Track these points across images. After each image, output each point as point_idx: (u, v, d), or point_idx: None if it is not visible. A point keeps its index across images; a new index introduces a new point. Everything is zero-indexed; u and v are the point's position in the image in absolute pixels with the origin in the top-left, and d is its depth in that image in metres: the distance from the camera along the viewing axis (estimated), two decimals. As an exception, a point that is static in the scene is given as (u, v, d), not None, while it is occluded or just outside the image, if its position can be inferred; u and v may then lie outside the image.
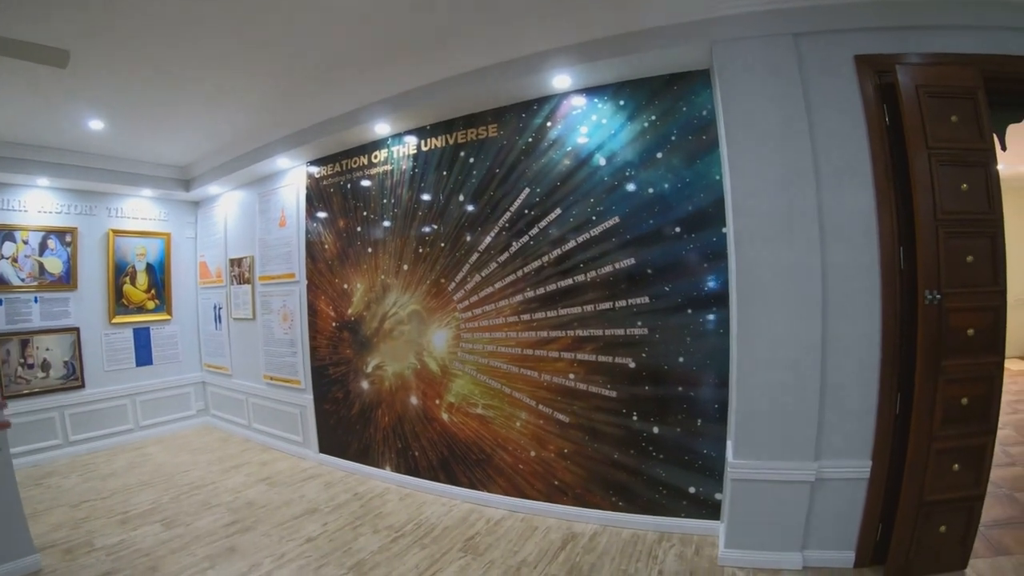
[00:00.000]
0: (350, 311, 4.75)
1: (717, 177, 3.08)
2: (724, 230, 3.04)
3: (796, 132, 2.71)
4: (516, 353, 3.75)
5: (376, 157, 4.50)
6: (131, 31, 3.02)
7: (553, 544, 3.33)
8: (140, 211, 6.42)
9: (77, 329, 5.83)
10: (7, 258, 5.41)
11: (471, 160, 3.92)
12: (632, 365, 3.34)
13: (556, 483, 3.66)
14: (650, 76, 3.27)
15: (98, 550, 3.46)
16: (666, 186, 3.21)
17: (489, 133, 3.84)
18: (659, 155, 3.23)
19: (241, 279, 5.98)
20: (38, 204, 5.64)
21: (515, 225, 3.71)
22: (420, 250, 4.20)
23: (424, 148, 4.19)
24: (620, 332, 3.36)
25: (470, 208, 3.93)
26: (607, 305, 3.39)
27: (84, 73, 3.48)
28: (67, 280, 5.79)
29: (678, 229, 3.19)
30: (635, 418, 3.36)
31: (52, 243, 5.69)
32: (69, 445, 5.68)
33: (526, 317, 3.69)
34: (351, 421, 4.80)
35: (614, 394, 3.41)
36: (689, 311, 3.17)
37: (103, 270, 6.09)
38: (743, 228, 2.78)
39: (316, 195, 4.99)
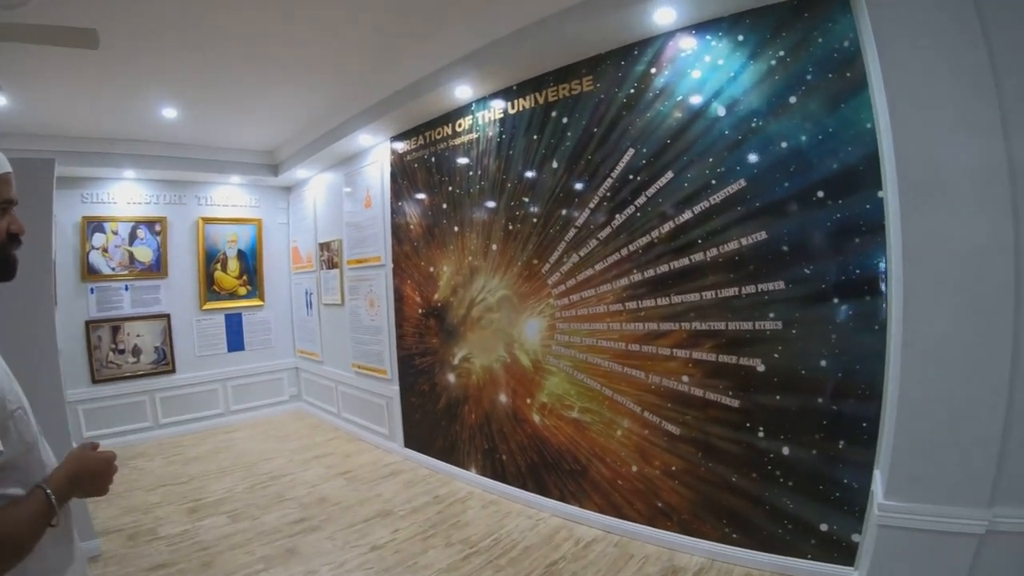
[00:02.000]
0: (436, 296, 4.35)
1: (868, 125, 2.33)
2: (880, 194, 2.29)
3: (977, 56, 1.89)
4: (619, 348, 3.17)
5: (460, 126, 4.03)
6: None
7: (652, 578, 2.80)
8: (230, 198, 6.45)
9: (168, 316, 5.95)
10: (97, 248, 5.56)
11: (564, 120, 3.36)
12: (761, 368, 2.67)
13: (660, 505, 3.08)
14: (774, 2, 2.56)
15: (160, 539, 3.42)
16: (803, 138, 2.50)
17: (584, 87, 3.26)
18: (792, 100, 2.53)
19: (330, 264, 5.77)
20: (127, 196, 5.78)
21: (618, 194, 3.11)
22: (510, 227, 3.72)
23: (511, 111, 3.68)
24: (747, 326, 2.70)
25: (565, 176, 3.39)
26: (731, 292, 2.73)
27: (149, 59, 3.46)
28: (157, 268, 5.90)
29: (821, 194, 2.47)
30: (761, 434, 2.70)
31: (142, 232, 5.82)
32: (159, 428, 5.83)
33: (632, 305, 3.09)
34: (437, 416, 4.42)
35: (736, 403, 2.76)
36: (835, 300, 2.46)
37: (193, 257, 6.18)
38: (912, 190, 2.01)
39: (400, 172, 4.62)
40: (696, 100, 2.81)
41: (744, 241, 2.68)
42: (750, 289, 2.67)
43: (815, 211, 2.48)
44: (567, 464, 3.50)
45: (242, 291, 6.47)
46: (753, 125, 2.63)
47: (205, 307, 6.16)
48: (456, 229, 4.11)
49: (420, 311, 4.51)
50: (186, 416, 5.99)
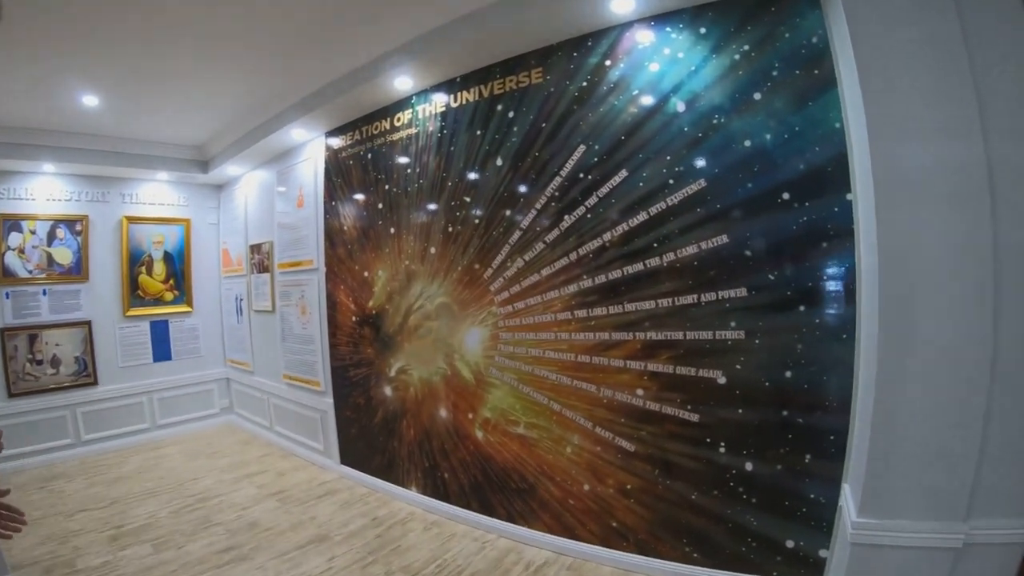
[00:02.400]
0: (371, 303, 4.00)
1: (837, 124, 2.15)
2: (849, 196, 2.12)
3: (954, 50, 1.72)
4: (568, 360, 2.91)
5: (399, 120, 3.72)
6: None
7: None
8: (157, 196, 5.92)
9: (89, 323, 5.42)
10: (13, 249, 5.03)
11: (510, 114, 3.09)
12: (722, 380, 2.46)
13: (614, 525, 2.84)
14: (738, -5, 2.38)
15: (78, 572, 3.05)
16: (768, 137, 2.31)
17: (533, 79, 3.00)
18: (757, 96, 2.34)
19: (261, 267, 5.34)
20: (46, 192, 5.23)
21: (567, 194, 2.86)
22: (450, 229, 3.41)
23: (454, 104, 3.38)
24: (707, 336, 2.49)
25: (510, 174, 3.11)
26: (690, 299, 2.52)
27: (62, 36, 3.05)
28: (78, 271, 5.38)
29: (786, 195, 2.28)
30: (723, 450, 2.49)
31: (61, 232, 5.28)
32: (82, 445, 5.31)
33: (581, 314, 2.85)
34: (374, 432, 4.07)
35: (696, 418, 2.54)
36: (801, 308, 2.27)
37: (116, 260, 5.64)
38: (888, 189, 1.81)
39: (335, 169, 4.26)
40: (654, 95, 2.58)
41: (704, 245, 2.46)
42: (710, 296, 2.46)
43: (780, 214, 2.28)
44: (514, 483, 3.22)
45: (169, 296, 5.93)
46: (715, 122, 2.43)
47: (129, 313, 5.61)
48: (392, 231, 3.78)
49: (354, 319, 4.15)
50: (110, 432, 5.45)
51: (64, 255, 5.26)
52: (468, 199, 3.30)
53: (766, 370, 2.36)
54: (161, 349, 5.86)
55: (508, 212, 3.11)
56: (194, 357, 6.10)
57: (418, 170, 3.59)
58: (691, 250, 2.49)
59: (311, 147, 4.56)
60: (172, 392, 5.91)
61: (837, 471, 2.22)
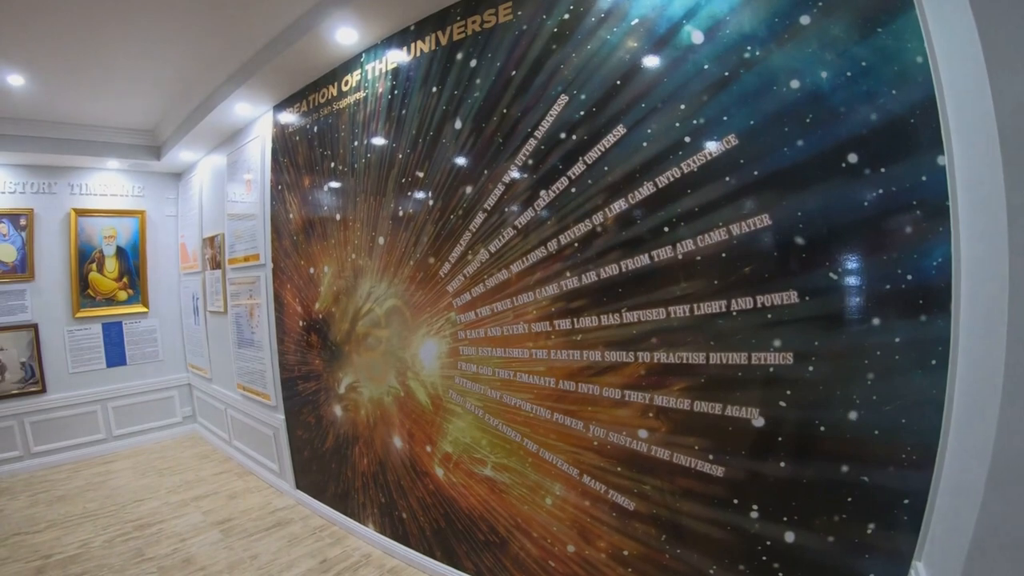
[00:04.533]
0: (317, 305, 3.19)
1: (919, 58, 1.32)
2: (941, 160, 1.29)
3: None
4: (547, 386, 2.08)
5: (347, 83, 2.90)
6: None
7: None
8: (109, 186, 5.12)
9: (35, 325, 4.69)
10: None
11: (472, 63, 2.26)
12: (758, 422, 1.62)
13: (611, 599, 2.01)
14: None
15: None
16: (824, 76, 1.47)
17: (500, 17, 2.17)
18: (804, 20, 1.50)
19: (214, 263, 4.51)
20: None
21: (544, 161, 2.03)
22: (400, 213, 2.58)
23: (408, 57, 2.55)
24: (739, 359, 1.64)
25: (471, 139, 2.27)
26: (716, 306, 1.67)
27: None
28: (22, 270, 4.65)
29: (853, 158, 1.43)
30: (755, 515, 1.65)
31: (4, 228, 4.58)
32: (31, 457, 4.62)
33: (564, 325, 2.01)
34: (326, 457, 3.29)
35: (720, 471, 1.70)
36: (875, 321, 1.43)
37: (65, 256, 4.86)
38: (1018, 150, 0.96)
39: (281, 148, 3.44)
40: (660, 23, 1.74)
41: (736, 230, 1.61)
42: (744, 303, 1.61)
43: (845, 184, 1.43)
44: (481, 533, 2.40)
45: (122, 295, 5.13)
46: (746, 56, 1.58)
47: (79, 315, 4.84)
48: (338, 217, 2.95)
49: (301, 323, 3.33)
50: (62, 443, 4.73)
51: (8, 252, 4.54)
52: (421, 174, 2.46)
53: (822, 410, 1.51)
54: (115, 353, 5.07)
55: (469, 189, 2.26)
56: (152, 362, 5.30)
57: (365, 142, 2.76)
58: (718, 237, 1.64)
59: (260, 124, 3.73)
60: (129, 400, 5.12)
61: (907, 544, 1.41)
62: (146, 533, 3.35)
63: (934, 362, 1.33)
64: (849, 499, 1.49)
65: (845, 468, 1.49)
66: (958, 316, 1.27)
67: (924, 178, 1.33)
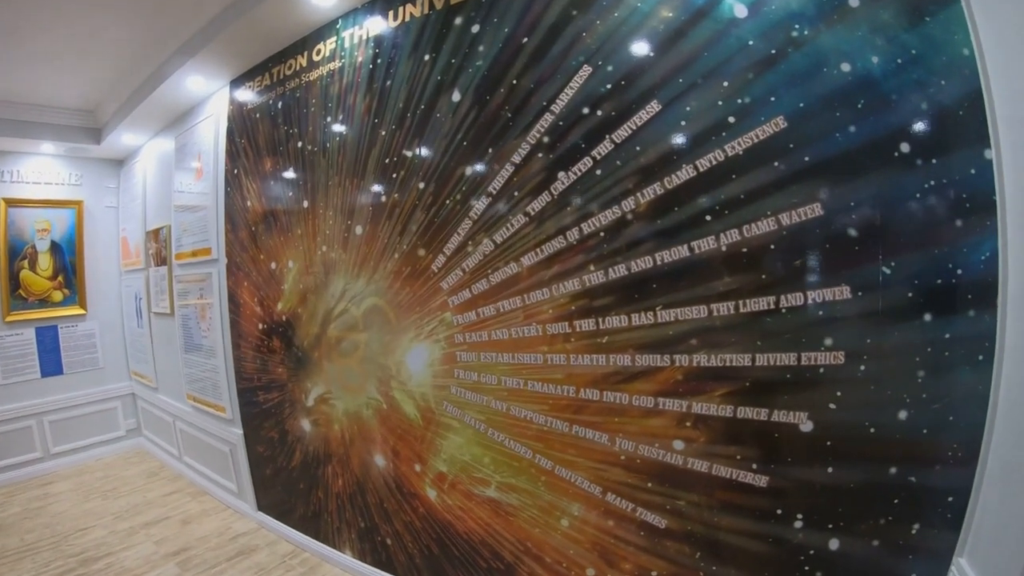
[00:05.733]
0: (280, 305, 2.83)
1: (965, 51, 1.23)
2: (988, 154, 1.21)
3: None
4: (565, 395, 1.82)
5: (319, 52, 2.56)
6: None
7: None
8: (43, 173, 4.57)
9: None
10: None
11: (474, 29, 1.96)
12: (807, 427, 1.43)
13: (634, 629, 1.77)
14: None
15: None
16: (875, 61, 1.33)
17: (509, -23, 1.87)
18: (853, 2, 1.35)
19: (158, 258, 4.05)
20: None
21: (563, 140, 1.76)
22: (383, 198, 2.26)
23: (393, 23, 2.23)
24: (789, 360, 1.45)
25: (473, 113, 1.97)
26: (764, 303, 1.46)
27: None
28: None
29: (906, 147, 1.29)
30: (799, 524, 1.48)
31: None
32: None
33: (587, 326, 1.75)
34: (293, 476, 2.94)
35: (763, 481, 1.50)
36: (927, 317, 1.29)
37: None
38: None
39: (239, 127, 3.06)
40: (698, -13, 1.51)
41: (786, 219, 1.40)
42: (794, 299, 1.41)
43: (898, 174, 1.30)
44: (483, 560, 2.12)
45: (57, 296, 4.58)
46: (794, 35, 1.38)
47: (9, 319, 4.30)
48: (306, 204, 2.60)
49: (261, 326, 2.95)
50: None
51: (-73, 249, 3.99)
52: (409, 154, 2.15)
53: (873, 410, 1.36)
54: (50, 361, 4.53)
55: (469, 170, 1.97)
56: (92, 369, 4.76)
57: (341, 116, 2.42)
58: (766, 227, 1.43)
59: (214, 102, 3.31)
60: (67, 413, 4.58)
61: (949, 543, 1.33)
62: (93, 570, 2.93)
63: (981, 357, 1.25)
64: (895, 501, 1.37)
65: (893, 470, 1.36)
66: (1004, 311, 1.23)
67: (972, 171, 1.24)
